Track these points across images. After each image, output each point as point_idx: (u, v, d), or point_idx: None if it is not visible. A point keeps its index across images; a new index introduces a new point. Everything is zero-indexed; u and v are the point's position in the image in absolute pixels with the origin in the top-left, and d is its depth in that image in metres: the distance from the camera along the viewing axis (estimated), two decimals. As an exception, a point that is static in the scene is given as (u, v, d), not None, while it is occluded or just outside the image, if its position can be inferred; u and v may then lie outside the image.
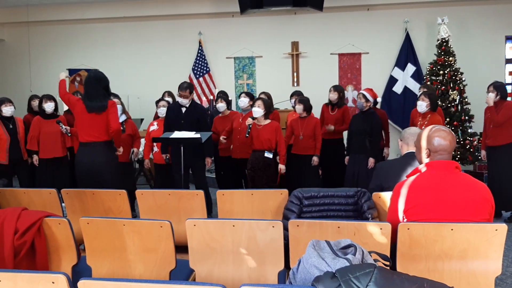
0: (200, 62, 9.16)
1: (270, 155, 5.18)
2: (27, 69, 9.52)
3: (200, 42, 9.19)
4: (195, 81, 9.07)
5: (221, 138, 5.69)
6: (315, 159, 5.60)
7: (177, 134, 4.83)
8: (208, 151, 5.36)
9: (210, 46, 9.26)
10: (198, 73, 9.14)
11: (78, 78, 9.24)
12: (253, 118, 5.20)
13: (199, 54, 9.17)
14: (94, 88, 4.27)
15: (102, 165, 4.19)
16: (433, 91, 5.86)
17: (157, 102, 5.93)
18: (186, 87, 5.21)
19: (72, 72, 9.25)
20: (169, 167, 5.37)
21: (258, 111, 5.17)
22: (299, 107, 5.66)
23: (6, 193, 3.64)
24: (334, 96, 6.17)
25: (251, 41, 9.06)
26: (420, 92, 5.70)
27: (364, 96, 5.54)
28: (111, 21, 9.41)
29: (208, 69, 9.16)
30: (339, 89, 6.25)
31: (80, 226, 2.59)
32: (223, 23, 9.13)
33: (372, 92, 5.67)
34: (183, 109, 5.26)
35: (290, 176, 5.62)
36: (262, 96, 5.87)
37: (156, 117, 5.93)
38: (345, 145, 6.07)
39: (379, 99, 5.90)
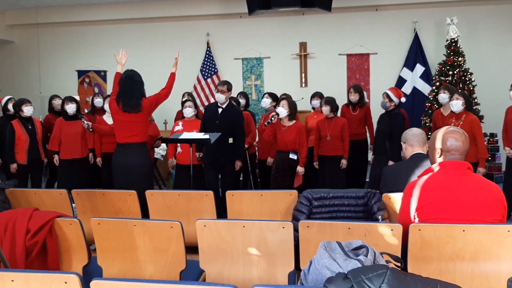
0: (208, 63, 9.17)
1: (295, 157, 5.11)
2: (37, 70, 9.59)
3: (208, 43, 9.20)
4: (203, 82, 9.08)
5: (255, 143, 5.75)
6: (344, 162, 5.50)
7: (185, 135, 4.83)
8: (239, 154, 5.20)
9: (218, 47, 9.27)
10: (206, 74, 9.15)
11: (87, 80, 9.29)
12: (277, 115, 5.09)
13: (207, 55, 9.18)
14: (131, 88, 4.31)
15: (135, 166, 4.21)
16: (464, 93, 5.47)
17: (183, 103, 5.89)
18: (224, 83, 5.18)
19: (81, 73, 9.31)
20: (194, 169, 5.07)
21: (282, 111, 5.07)
22: (326, 108, 5.50)
23: (17, 194, 3.67)
24: (355, 97, 6.04)
25: (259, 42, 9.06)
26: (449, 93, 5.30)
27: (388, 95, 5.38)
28: (120, 23, 9.46)
29: (216, 70, 9.17)
30: (359, 89, 6.11)
31: (90, 226, 2.60)
32: (231, 24, 9.13)
33: (397, 91, 5.47)
34: (220, 110, 5.17)
35: (317, 178, 5.55)
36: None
37: (181, 117, 5.88)
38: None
39: (403, 99, 5.59)
